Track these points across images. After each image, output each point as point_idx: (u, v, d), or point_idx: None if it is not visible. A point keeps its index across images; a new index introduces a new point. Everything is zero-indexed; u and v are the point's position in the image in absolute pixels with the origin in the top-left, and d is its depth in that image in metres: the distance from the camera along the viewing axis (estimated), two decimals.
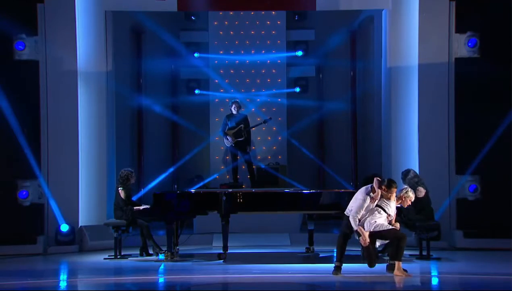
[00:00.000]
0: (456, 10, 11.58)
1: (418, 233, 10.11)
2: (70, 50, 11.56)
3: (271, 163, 13.99)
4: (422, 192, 10.14)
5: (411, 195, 8.82)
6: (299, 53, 14.73)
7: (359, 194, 8.63)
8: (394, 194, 8.62)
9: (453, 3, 11.58)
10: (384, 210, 8.53)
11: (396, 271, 8.45)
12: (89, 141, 11.83)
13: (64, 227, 11.32)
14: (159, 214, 10.10)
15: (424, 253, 10.07)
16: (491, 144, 11.34)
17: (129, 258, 10.43)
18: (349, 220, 8.54)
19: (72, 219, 11.41)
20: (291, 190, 11.34)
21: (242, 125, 12.83)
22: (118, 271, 9.42)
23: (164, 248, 10.17)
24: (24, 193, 11.39)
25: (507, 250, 10.68)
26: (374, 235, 8.46)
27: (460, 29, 11.59)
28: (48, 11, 11.50)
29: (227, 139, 12.92)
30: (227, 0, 12.88)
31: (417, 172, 11.19)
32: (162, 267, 9.58)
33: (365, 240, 8.39)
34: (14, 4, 11.38)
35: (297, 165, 14.53)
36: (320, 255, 10.54)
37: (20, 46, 11.41)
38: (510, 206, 11.20)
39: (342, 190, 11.81)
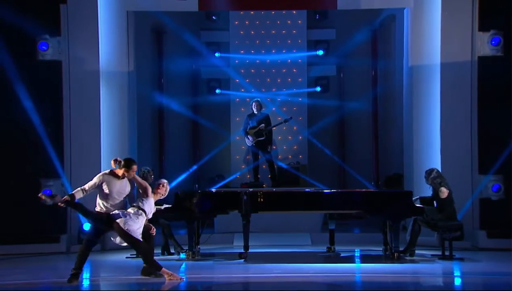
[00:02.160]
0: (479, 8, 11.46)
1: (441, 233, 10.04)
2: (93, 50, 11.64)
3: (292, 163, 13.96)
4: (445, 192, 10.05)
5: (165, 185, 8.77)
6: (320, 52, 14.69)
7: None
8: (134, 172, 8.62)
9: (476, 0, 11.46)
10: (145, 212, 8.38)
11: (167, 277, 8.28)
12: (111, 140, 11.90)
13: (87, 226, 11.39)
14: (181, 213, 10.12)
15: (447, 253, 9.99)
16: None
17: None
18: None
19: None
20: (312, 189, 11.29)
21: (262, 124, 12.82)
22: (140, 270, 9.46)
23: (186, 247, 10.20)
24: (48, 191, 11.49)
25: None
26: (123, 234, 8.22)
27: (483, 28, 11.47)
28: (71, 12, 11.60)
29: (248, 138, 12.94)
30: None
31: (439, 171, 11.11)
32: (183, 266, 9.61)
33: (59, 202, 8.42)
34: (38, 5, 11.50)
35: (318, 164, 14.50)
36: (341, 255, 10.50)
37: (43, 47, 11.53)
38: None
39: (364, 190, 11.81)
